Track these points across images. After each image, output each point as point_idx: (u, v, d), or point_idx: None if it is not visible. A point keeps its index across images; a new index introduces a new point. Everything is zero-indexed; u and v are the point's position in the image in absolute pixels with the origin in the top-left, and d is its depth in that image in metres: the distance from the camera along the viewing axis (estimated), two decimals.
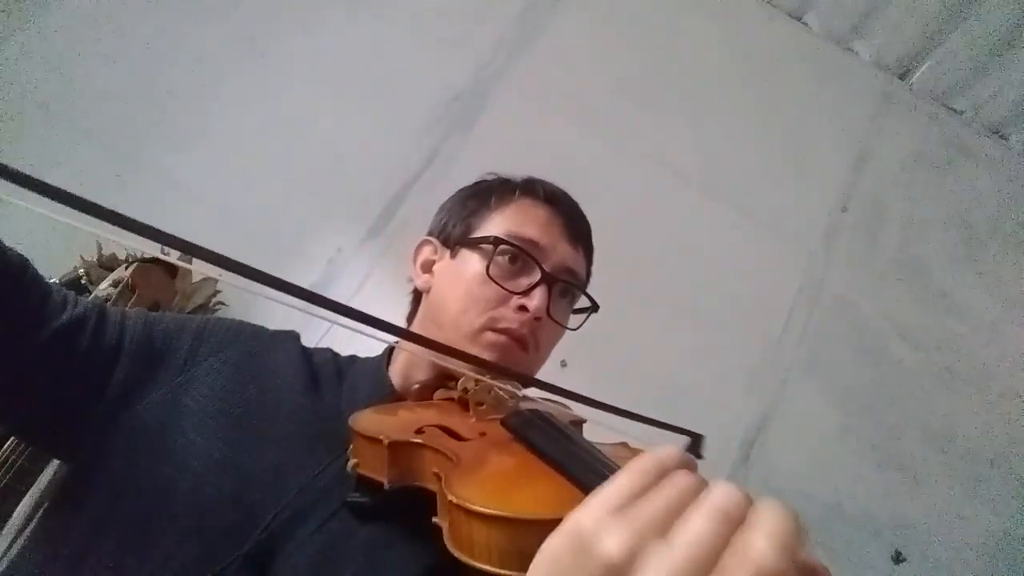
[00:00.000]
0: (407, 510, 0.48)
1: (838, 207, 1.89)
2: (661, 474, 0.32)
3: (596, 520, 0.30)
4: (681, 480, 0.31)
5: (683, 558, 0.28)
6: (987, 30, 1.91)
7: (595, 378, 1.49)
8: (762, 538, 0.28)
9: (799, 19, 2.11)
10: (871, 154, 1.97)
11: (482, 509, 0.38)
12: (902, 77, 2.10)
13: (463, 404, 0.60)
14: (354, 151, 1.68)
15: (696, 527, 0.29)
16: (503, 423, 0.53)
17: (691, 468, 0.34)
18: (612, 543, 0.29)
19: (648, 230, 1.75)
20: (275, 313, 1.51)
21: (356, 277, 1.57)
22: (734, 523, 0.29)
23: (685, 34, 2.01)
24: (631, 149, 1.83)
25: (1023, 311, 1.85)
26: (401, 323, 0.82)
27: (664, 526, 0.29)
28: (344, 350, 0.78)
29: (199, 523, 0.52)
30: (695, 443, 0.58)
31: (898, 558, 1.54)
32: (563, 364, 1.50)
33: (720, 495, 0.30)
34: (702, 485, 0.31)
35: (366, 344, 0.78)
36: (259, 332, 0.72)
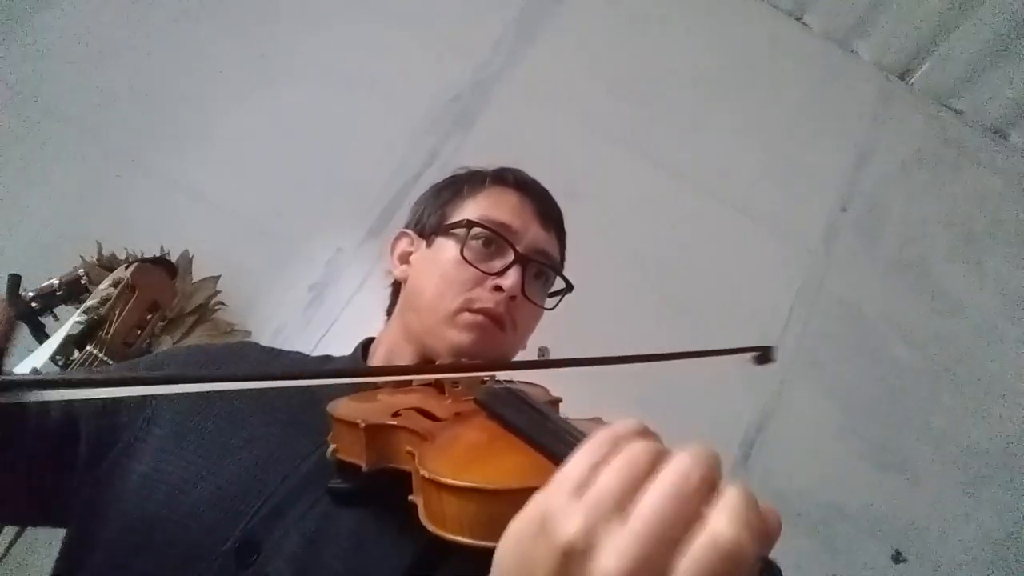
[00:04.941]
0: (388, 493, 0.48)
1: (838, 207, 1.89)
2: (616, 445, 0.31)
3: (555, 502, 0.30)
4: (636, 450, 0.30)
5: (641, 537, 0.27)
6: (987, 30, 1.91)
7: (595, 378, 1.49)
8: (724, 517, 0.27)
9: (799, 19, 2.11)
10: (871, 154, 1.97)
11: (452, 481, 0.38)
12: (902, 77, 2.10)
13: (439, 387, 0.61)
14: (354, 151, 1.68)
15: (653, 505, 0.28)
16: (475, 400, 0.54)
17: (648, 436, 0.32)
18: (570, 526, 0.28)
19: (648, 230, 1.75)
20: (275, 314, 1.52)
21: (356, 277, 1.57)
22: (693, 496, 0.28)
23: (685, 34, 2.01)
24: (631, 149, 1.83)
25: (1023, 311, 1.85)
26: (382, 316, 0.83)
27: (622, 503, 0.29)
28: (341, 350, 0.79)
29: (183, 529, 0.53)
30: (765, 353, 0.57)
31: (898, 558, 1.54)
32: None
33: (676, 468, 0.29)
34: (659, 454, 0.30)
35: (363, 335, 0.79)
36: (215, 349, 0.74)
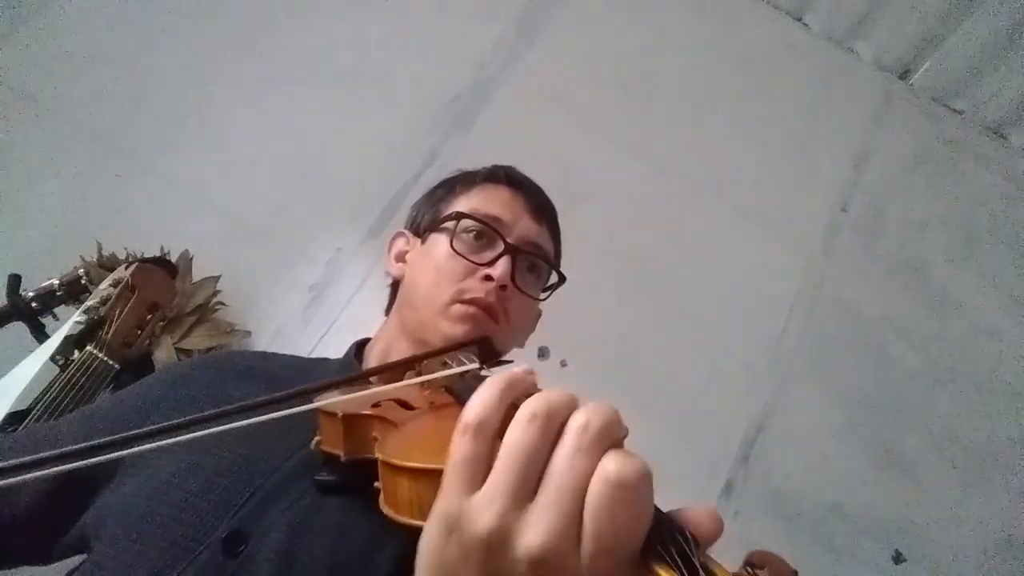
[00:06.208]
0: (369, 486, 0.49)
1: (838, 207, 1.89)
2: (490, 424, 0.31)
3: (457, 502, 0.30)
4: (523, 428, 0.30)
5: (554, 507, 0.28)
6: (987, 30, 1.91)
7: (595, 378, 1.49)
8: (611, 462, 0.29)
9: (799, 19, 2.11)
10: (871, 154, 1.97)
11: (402, 463, 0.38)
12: (902, 77, 2.10)
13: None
14: (354, 151, 1.68)
15: (558, 484, 0.29)
16: (447, 390, 0.55)
17: (515, 388, 0.33)
18: (484, 519, 0.29)
19: (648, 230, 1.75)
20: (275, 314, 1.52)
21: (356, 277, 1.57)
22: (591, 457, 0.29)
23: (685, 34, 2.00)
24: (631, 149, 1.83)
25: (1023, 311, 1.85)
26: (382, 317, 0.83)
27: (527, 484, 0.29)
28: (341, 350, 0.79)
29: (172, 521, 0.53)
30: (482, 351, 0.57)
31: (898, 558, 1.54)
32: (563, 364, 1.50)
33: (570, 444, 0.30)
34: (546, 421, 0.30)
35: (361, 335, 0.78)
36: (202, 362, 0.74)
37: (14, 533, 0.60)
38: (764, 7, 2.10)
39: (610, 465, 0.28)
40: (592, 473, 0.29)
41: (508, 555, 0.29)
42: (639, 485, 0.28)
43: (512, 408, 0.32)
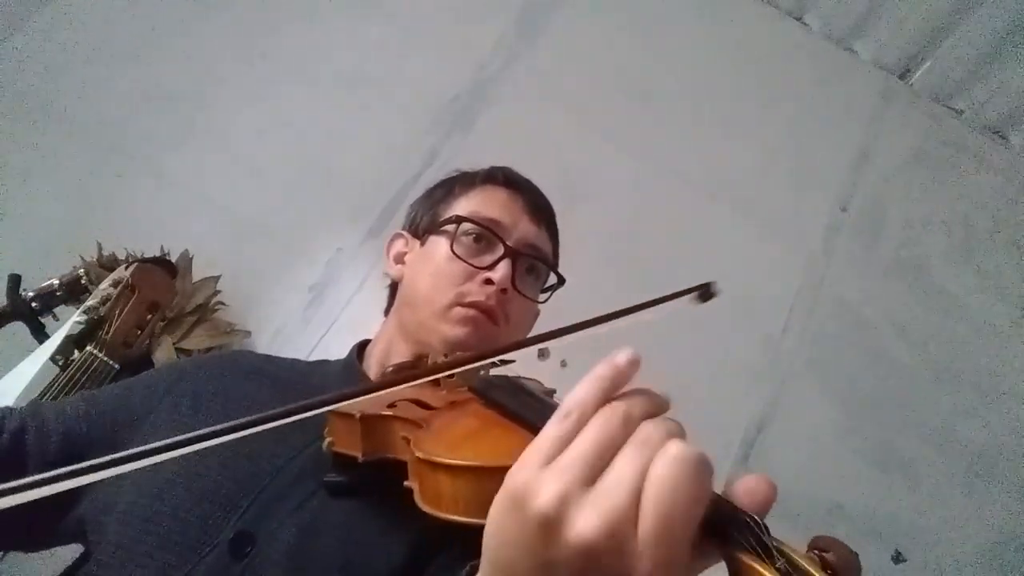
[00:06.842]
0: (383, 486, 0.49)
1: (838, 207, 1.89)
2: (584, 415, 0.32)
3: (527, 475, 0.31)
4: (605, 420, 0.32)
5: (610, 502, 0.29)
6: (987, 30, 1.91)
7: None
8: (673, 445, 0.29)
9: (799, 19, 2.11)
10: (871, 154, 1.97)
11: (445, 460, 0.39)
12: (902, 77, 2.10)
13: (435, 380, 0.62)
14: (354, 151, 1.68)
15: (621, 469, 0.30)
16: (470, 388, 0.55)
17: (616, 385, 0.34)
18: (542, 497, 0.29)
19: (648, 230, 1.75)
20: (275, 314, 1.52)
21: (356, 277, 1.57)
22: (656, 449, 0.30)
23: (685, 34, 2.00)
24: (631, 149, 1.83)
25: (1023, 311, 1.85)
26: (381, 317, 0.83)
27: (593, 470, 0.30)
28: (341, 350, 0.79)
29: (178, 523, 0.53)
30: (705, 292, 0.56)
31: (898, 558, 1.54)
32: (563, 364, 1.50)
33: (643, 434, 0.31)
34: (627, 420, 0.32)
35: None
36: (207, 359, 0.75)
37: (10, 519, 0.60)
38: (764, 7, 2.10)
39: (672, 447, 0.29)
40: (640, 474, 0.29)
41: (559, 538, 0.29)
42: (700, 465, 0.29)
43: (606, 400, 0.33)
